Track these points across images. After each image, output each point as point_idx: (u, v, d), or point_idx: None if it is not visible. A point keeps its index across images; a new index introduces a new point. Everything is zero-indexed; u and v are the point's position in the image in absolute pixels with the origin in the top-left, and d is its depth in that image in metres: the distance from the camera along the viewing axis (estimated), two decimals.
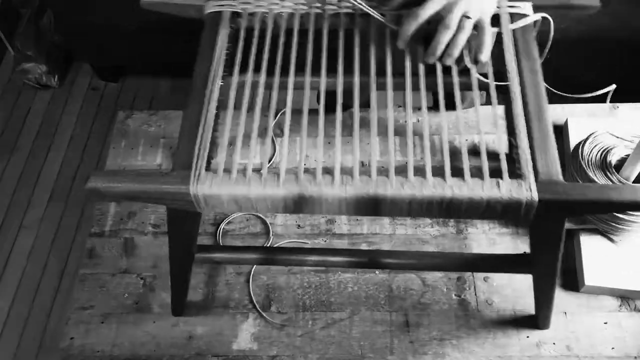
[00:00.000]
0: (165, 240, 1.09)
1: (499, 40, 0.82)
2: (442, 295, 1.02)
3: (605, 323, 0.98)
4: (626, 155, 1.01)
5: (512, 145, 0.74)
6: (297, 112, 0.76)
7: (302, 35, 0.82)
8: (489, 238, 1.07)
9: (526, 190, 0.67)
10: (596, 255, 1.00)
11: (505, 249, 1.06)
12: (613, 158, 1.00)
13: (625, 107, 1.21)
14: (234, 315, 1.01)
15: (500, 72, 0.80)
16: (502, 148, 0.73)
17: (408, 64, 0.79)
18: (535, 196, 0.66)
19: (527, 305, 1.00)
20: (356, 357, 0.97)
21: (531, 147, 0.72)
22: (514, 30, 0.83)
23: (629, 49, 1.57)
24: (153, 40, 1.81)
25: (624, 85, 1.02)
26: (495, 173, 0.69)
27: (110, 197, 0.69)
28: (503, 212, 0.68)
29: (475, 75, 0.77)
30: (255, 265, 1.06)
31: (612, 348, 0.96)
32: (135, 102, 2.07)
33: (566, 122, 1.15)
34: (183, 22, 1.82)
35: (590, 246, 1.01)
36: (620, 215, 0.97)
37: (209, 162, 0.72)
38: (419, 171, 0.69)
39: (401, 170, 0.70)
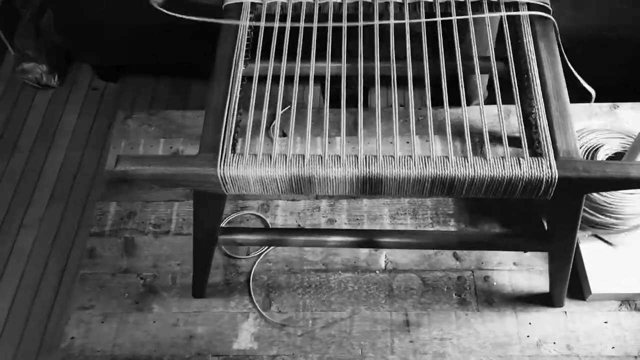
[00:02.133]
0: (166, 240, 1.10)
1: (516, 23, 0.83)
2: (442, 295, 1.02)
3: (606, 322, 0.98)
4: (621, 150, 1.00)
5: (531, 125, 0.75)
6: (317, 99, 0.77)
7: (322, 20, 0.83)
8: None
9: (546, 168, 0.68)
10: (598, 262, 1.00)
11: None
12: (599, 155, 1.00)
13: (625, 107, 1.21)
14: (234, 315, 1.01)
15: (518, 56, 0.81)
16: (522, 128, 0.74)
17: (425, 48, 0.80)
18: (555, 173, 0.68)
19: (527, 305, 1.00)
20: (356, 356, 0.97)
21: (550, 125, 0.73)
22: (531, 15, 0.84)
23: (629, 49, 1.57)
24: (153, 40, 1.80)
25: (624, 85, 1.02)
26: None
27: (138, 179, 0.70)
28: (523, 190, 0.69)
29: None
30: (255, 265, 1.06)
31: (613, 347, 0.96)
32: (135, 102, 2.06)
33: None
34: (183, 22, 1.81)
35: (591, 254, 1.01)
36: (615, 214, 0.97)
37: (234, 145, 0.74)
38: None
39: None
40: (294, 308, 1.02)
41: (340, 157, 0.69)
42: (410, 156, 0.69)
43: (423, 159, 0.69)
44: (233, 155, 0.71)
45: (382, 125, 0.73)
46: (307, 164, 0.69)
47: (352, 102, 0.78)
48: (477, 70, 0.78)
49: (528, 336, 0.97)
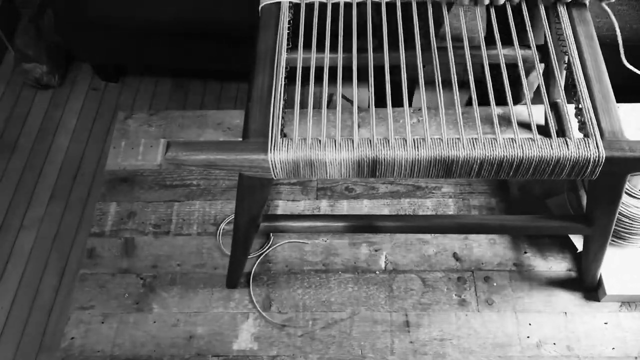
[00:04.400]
0: (166, 240, 1.10)
1: (554, 10, 0.84)
2: (443, 295, 1.02)
3: (606, 323, 0.98)
4: None
5: (575, 108, 0.76)
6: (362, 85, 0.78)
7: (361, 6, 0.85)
8: (489, 237, 1.07)
9: (593, 148, 0.69)
10: (613, 264, 1.00)
11: (504, 248, 1.06)
12: None
13: (625, 107, 1.21)
14: (234, 315, 1.01)
15: (560, 42, 0.82)
16: (566, 109, 0.76)
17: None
18: (602, 153, 0.69)
19: (527, 305, 1.00)
20: (356, 357, 0.97)
21: (594, 107, 0.74)
22: (567, 3, 0.85)
23: (629, 49, 1.57)
24: (153, 40, 1.81)
25: (624, 86, 1.02)
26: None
27: (188, 165, 0.72)
28: (571, 171, 0.71)
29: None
30: (255, 265, 1.06)
31: (613, 348, 0.96)
32: (135, 102, 2.07)
33: None
34: (183, 23, 1.82)
35: (607, 256, 1.01)
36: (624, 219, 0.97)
37: (281, 130, 0.75)
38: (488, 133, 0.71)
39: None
40: (294, 308, 1.02)
41: (406, 140, 0.70)
42: (459, 138, 0.70)
43: (471, 140, 0.70)
44: (283, 140, 0.72)
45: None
46: (356, 149, 0.70)
47: (395, 97, 0.78)
48: (520, 59, 0.79)
49: (528, 337, 0.97)
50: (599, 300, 1.00)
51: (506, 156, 0.69)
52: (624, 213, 0.96)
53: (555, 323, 0.98)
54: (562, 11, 0.84)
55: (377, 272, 1.05)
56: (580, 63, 0.78)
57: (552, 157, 0.69)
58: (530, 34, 0.81)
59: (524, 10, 0.84)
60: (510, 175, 0.72)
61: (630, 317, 0.98)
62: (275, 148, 0.71)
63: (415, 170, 0.72)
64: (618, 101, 1.19)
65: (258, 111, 0.75)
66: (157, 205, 1.14)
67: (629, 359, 0.95)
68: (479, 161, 0.70)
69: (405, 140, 0.70)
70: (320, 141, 0.71)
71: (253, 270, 1.05)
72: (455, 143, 0.70)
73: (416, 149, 0.70)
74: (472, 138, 0.70)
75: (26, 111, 2.05)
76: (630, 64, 0.86)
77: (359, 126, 0.78)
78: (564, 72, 0.81)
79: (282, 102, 0.76)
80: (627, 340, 0.97)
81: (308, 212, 1.11)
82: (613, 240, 1.00)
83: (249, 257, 1.07)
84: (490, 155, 0.69)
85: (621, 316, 0.99)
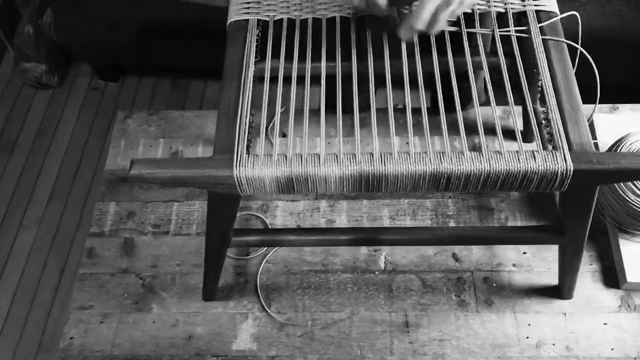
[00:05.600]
0: (165, 240, 1.10)
1: (523, 20, 0.84)
2: (442, 295, 1.02)
3: (605, 324, 0.98)
4: None
5: (536, 121, 0.76)
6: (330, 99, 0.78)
7: (330, 25, 0.85)
8: None
9: (561, 161, 0.69)
10: (634, 251, 1.01)
11: (504, 249, 1.06)
12: None
13: (625, 107, 1.21)
14: (233, 315, 1.01)
15: (525, 52, 0.82)
16: (534, 121, 0.75)
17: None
18: (570, 166, 0.68)
19: (527, 306, 1.00)
20: (356, 357, 0.97)
21: (562, 119, 0.74)
22: (537, 12, 0.85)
23: (629, 49, 1.57)
24: (153, 40, 1.81)
25: (624, 86, 1.02)
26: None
27: (154, 183, 0.70)
28: (539, 184, 0.70)
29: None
30: (255, 266, 1.06)
31: (612, 349, 0.96)
32: (135, 102, 2.07)
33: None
34: (183, 23, 1.82)
35: (628, 243, 1.02)
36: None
37: (248, 146, 0.74)
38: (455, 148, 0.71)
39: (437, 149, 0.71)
40: (293, 309, 1.02)
41: (373, 155, 0.70)
42: (426, 152, 0.70)
43: (439, 155, 0.70)
44: (248, 156, 0.71)
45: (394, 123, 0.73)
46: (323, 164, 0.70)
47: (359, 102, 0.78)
48: (485, 66, 0.79)
49: (527, 337, 0.97)
50: (619, 288, 1.01)
51: (473, 170, 0.69)
52: None
53: (554, 323, 0.98)
54: (533, 21, 0.83)
55: (377, 273, 1.05)
56: (550, 75, 0.78)
57: (520, 170, 0.69)
58: (498, 42, 0.81)
59: (493, 19, 0.83)
60: (478, 189, 0.71)
61: (630, 318, 0.98)
62: (241, 164, 0.70)
63: (383, 185, 0.71)
64: (618, 102, 1.20)
65: (224, 127, 0.75)
66: (156, 205, 1.14)
67: None
68: (446, 175, 0.69)
69: (372, 155, 0.70)
70: (286, 157, 0.70)
71: (252, 271, 1.05)
72: (422, 157, 0.69)
73: (383, 164, 0.69)
74: (440, 152, 0.70)
75: (26, 111, 2.05)
76: (631, 64, 0.86)
77: (338, 140, 0.77)
78: (537, 82, 0.80)
79: (248, 117, 0.76)
80: (626, 341, 0.97)
81: (308, 212, 1.11)
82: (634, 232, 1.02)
83: (248, 257, 1.07)
84: (458, 169, 0.69)
85: (620, 317, 0.99)
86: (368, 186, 0.71)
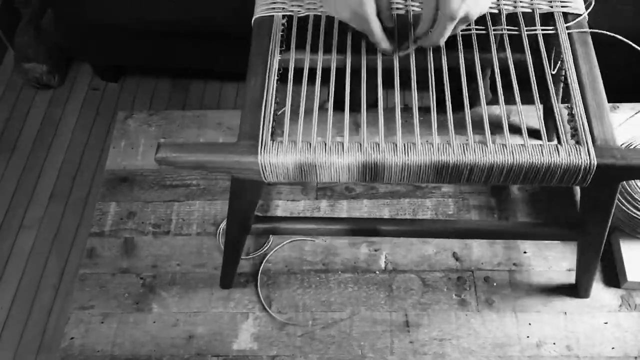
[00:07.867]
0: (166, 240, 1.10)
1: (549, 18, 0.84)
2: (443, 295, 1.02)
3: (606, 323, 0.98)
4: None
5: (568, 114, 0.76)
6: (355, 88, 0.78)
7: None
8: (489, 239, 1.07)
9: (585, 155, 0.69)
10: (635, 250, 1.02)
11: (504, 248, 1.06)
12: None
13: (625, 108, 1.21)
14: (234, 315, 1.01)
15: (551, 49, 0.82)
16: (561, 115, 0.75)
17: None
18: (594, 161, 0.69)
19: (527, 305, 1.00)
20: (356, 357, 0.97)
21: (587, 114, 0.74)
22: (563, 11, 0.85)
23: (629, 49, 1.57)
24: (153, 40, 1.81)
25: (624, 86, 1.02)
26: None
27: (179, 166, 0.72)
28: (562, 177, 0.70)
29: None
30: (255, 266, 1.06)
31: (612, 348, 0.96)
32: (135, 102, 2.07)
33: None
34: (183, 23, 1.82)
35: (629, 242, 1.03)
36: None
37: (272, 133, 0.75)
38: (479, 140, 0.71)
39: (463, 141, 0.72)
40: (293, 308, 1.02)
41: (397, 145, 0.70)
42: (449, 143, 0.70)
43: (461, 146, 0.70)
44: (273, 143, 0.71)
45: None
46: (347, 153, 0.70)
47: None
48: (510, 61, 0.79)
49: (528, 337, 0.98)
50: (619, 287, 1.01)
51: (497, 162, 0.69)
52: None
53: (555, 323, 0.98)
54: (560, 20, 0.84)
55: (377, 272, 1.05)
56: (575, 70, 0.78)
57: (543, 163, 0.69)
58: (525, 41, 0.81)
59: (519, 17, 0.84)
60: (500, 182, 0.71)
61: (630, 317, 0.99)
62: (265, 150, 0.71)
63: (406, 175, 0.71)
64: (618, 101, 1.20)
65: (249, 113, 0.75)
66: (156, 205, 1.14)
67: (629, 359, 0.95)
68: (469, 167, 0.69)
69: (396, 145, 0.70)
70: (310, 144, 0.71)
71: (253, 270, 1.05)
72: (446, 148, 0.70)
73: (406, 154, 0.69)
74: (463, 144, 0.70)
75: (26, 111, 2.05)
76: (635, 65, 0.86)
77: (360, 127, 0.77)
78: (560, 78, 0.81)
79: (274, 104, 0.76)
80: (626, 340, 0.97)
81: (308, 212, 1.12)
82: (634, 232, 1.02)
83: (250, 257, 1.07)
84: (480, 161, 0.69)
85: (621, 316, 0.99)
86: (389, 176, 0.71)
